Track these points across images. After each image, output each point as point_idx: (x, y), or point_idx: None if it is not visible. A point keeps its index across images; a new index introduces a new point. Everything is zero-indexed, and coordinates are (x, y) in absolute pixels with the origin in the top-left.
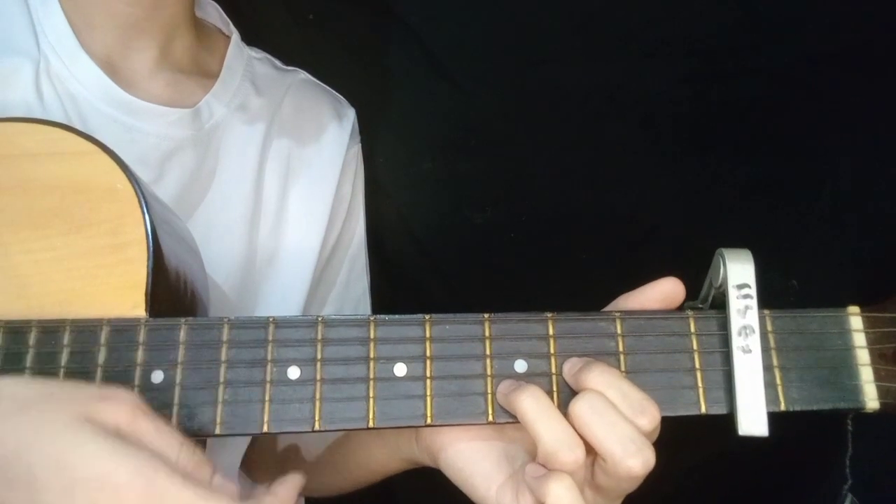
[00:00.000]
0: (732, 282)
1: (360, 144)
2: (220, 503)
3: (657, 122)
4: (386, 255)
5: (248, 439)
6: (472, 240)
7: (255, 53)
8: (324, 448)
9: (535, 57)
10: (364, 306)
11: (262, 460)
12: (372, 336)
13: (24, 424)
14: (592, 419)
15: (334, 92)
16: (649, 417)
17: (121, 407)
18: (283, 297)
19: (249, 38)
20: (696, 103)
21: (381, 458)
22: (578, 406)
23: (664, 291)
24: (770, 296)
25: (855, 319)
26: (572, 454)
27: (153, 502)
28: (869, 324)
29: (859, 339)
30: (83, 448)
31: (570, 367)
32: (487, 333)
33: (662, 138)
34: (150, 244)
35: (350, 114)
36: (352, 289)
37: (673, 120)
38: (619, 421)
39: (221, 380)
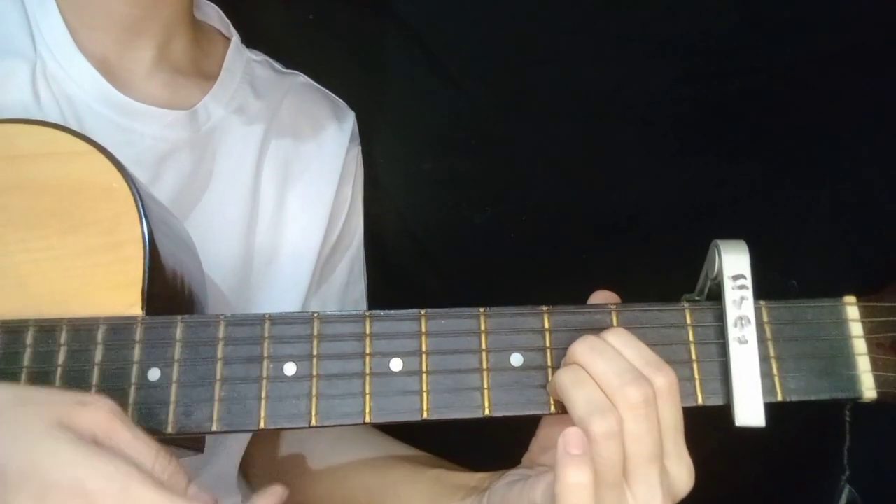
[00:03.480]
0: (728, 273)
1: (359, 147)
2: None
3: (657, 122)
4: (386, 254)
5: (244, 445)
6: (471, 239)
7: (255, 56)
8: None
9: (535, 57)
10: (361, 308)
11: (264, 469)
12: (367, 331)
13: (0, 429)
14: (592, 357)
15: (334, 96)
16: (665, 374)
17: (97, 414)
18: (281, 299)
19: (249, 39)
20: (696, 103)
21: None
22: (578, 345)
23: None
24: (769, 295)
25: (851, 309)
26: (605, 422)
27: None
28: (866, 313)
29: (856, 329)
30: (57, 454)
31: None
32: (483, 327)
33: (662, 138)
34: (147, 243)
35: (350, 117)
36: (350, 291)
37: (673, 120)
38: (617, 358)
39: (218, 377)
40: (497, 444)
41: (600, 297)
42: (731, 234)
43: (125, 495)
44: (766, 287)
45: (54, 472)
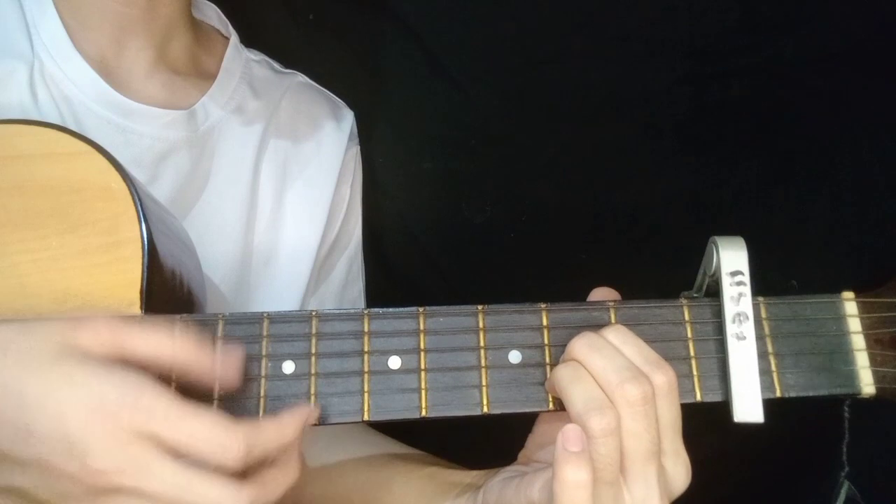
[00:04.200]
0: (726, 269)
1: (358, 146)
2: (209, 416)
3: (657, 122)
4: (385, 254)
5: None
6: (471, 239)
7: (254, 56)
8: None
9: (535, 57)
10: (359, 307)
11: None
12: (366, 329)
13: (9, 361)
14: (590, 354)
15: (332, 95)
16: (664, 372)
17: (98, 331)
18: (279, 298)
19: (249, 39)
20: (696, 103)
21: None
22: (577, 342)
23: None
24: (770, 295)
25: (850, 305)
26: (603, 419)
27: (143, 419)
28: (864, 309)
29: (854, 325)
30: (68, 376)
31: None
32: (481, 325)
33: (662, 138)
34: (145, 242)
35: (348, 116)
36: (348, 290)
37: (673, 120)
38: (616, 355)
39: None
40: (494, 441)
41: (600, 294)
42: (730, 234)
43: (139, 405)
44: (765, 287)
45: (68, 392)
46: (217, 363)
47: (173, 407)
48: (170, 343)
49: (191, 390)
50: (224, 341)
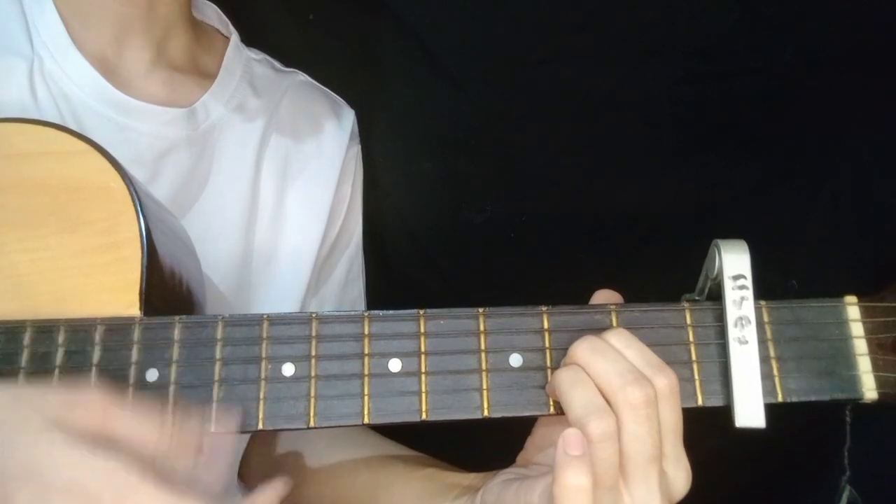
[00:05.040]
0: (728, 273)
1: (359, 146)
2: (195, 503)
3: (657, 122)
4: (385, 254)
5: (242, 446)
6: (471, 239)
7: (254, 55)
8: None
9: (535, 57)
10: (359, 308)
11: (259, 467)
12: (366, 332)
13: None
14: (593, 357)
15: (333, 94)
16: (666, 375)
17: (90, 409)
18: (280, 298)
19: (249, 38)
20: (696, 103)
21: None
22: (578, 345)
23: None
24: (770, 295)
25: (852, 309)
26: (602, 422)
27: None
28: (866, 313)
29: (857, 329)
30: (54, 455)
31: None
32: (482, 328)
33: (662, 138)
34: (144, 243)
35: (349, 115)
36: (349, 290)
37: (673, 120)
38: (618, 358)
39: (216, 378)
40: (493, 442)
41: (602, 296)
42: (731, 234)
43: (124, 492)
44: (766, 287)
45: (52, 472)
46: (200, 464)
47: (157, 496)
48: (154, 437)
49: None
50: (213, 440)
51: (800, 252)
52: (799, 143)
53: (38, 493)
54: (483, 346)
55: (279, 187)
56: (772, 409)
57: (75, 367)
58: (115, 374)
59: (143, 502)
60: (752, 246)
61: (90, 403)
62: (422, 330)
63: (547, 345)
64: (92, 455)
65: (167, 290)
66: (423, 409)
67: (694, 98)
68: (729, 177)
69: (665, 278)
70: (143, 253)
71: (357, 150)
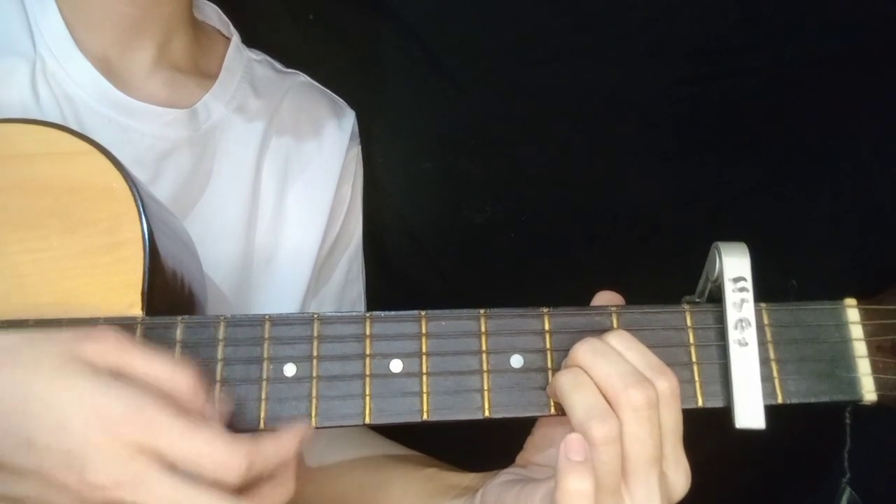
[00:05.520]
0: (728, 275)
1: (359, 147)
2: (210, 432)
3: (657, 122)
4: (385, 254)
5: None
6: (471, 239)
7: (255, 55)
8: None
9: (535, 57)
10: (359, 308)
11: None
12: (368, 333)
13: (13, 369)
14: (594, 359)
15: (334, 95)
16: (667, 378)
17: (105, 344)
18: (280, 298)
19: (249, 38)
20: (696, 103)
21: None
22: (580, 347)
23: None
24: (770, 295)
25: (852, 312)
26: (605, 426)
27: (146, 433)
28: (866, 316)
29: (856, 332)
30: (74, 387)
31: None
32: (483, 329)
33: (662, 138)
34: (147, 243)
35: (350, 116)
36: (348, 290)
37: (673, 120)
38: (620, 360)
39: (218, 378)
40: (493, 442)
41: (604, 298)
42: (730, 234)
43: (143, 419)
44: (765, 287)
45: (73, 403)
46: (207, 407)
47: (175, 422)
48: (169, 376)
49: None
50: (222, 385)
51: (800, 252)
52: (799, 143)
53: (59, 424)
54: (484, 347)
55: (280, 188)
56: (772, 411)
57: None
58: None
59: (164, 429)
60: (752, 246)
61: (104, 339)
62: (423, 331)
63: (548, 346)
64: (111, 384)
65: (169, 291)
66: (425, 409)
67: (694, 98)
68: (729, 177)
69: (665, 278)
70: (144, 253)
71: (357, 150)
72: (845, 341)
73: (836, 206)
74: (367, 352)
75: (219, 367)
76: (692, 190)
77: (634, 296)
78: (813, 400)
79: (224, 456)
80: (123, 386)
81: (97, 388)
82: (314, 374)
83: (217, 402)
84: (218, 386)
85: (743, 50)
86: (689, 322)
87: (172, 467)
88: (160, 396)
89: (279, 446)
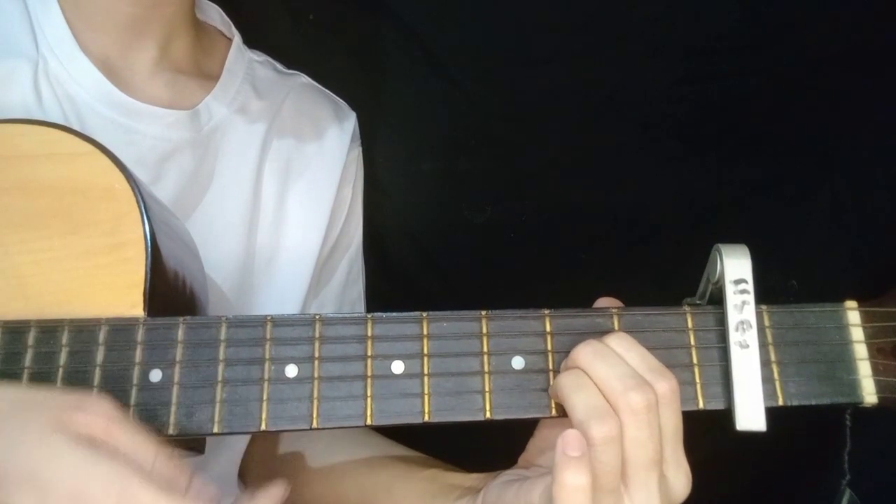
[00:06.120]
0: (729, 277)
1: (360, 148)
2: None
3: (657, 122)
4: (386, 255)
5: (244, 446)
6: (471, 239)
7: (257, 56)
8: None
9: (535, 57)
10: (359, 309)
11: (259, 467)
12: (369, 334)
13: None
14: (594, 361)
15: (335, 96)
16: (667, 380)
17: (95, 416)
18: (281, 299)
19: (250, 39)
20: (696, 103)
21: None
22: (580, 349)
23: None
24: (770, 296)
25: (853, 314)
26: (605, 426)
27: None
28: (867, 318)
29: (857, 334)
30: (56, 458)
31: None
32: (485, 330)
33: (662, 138)
34: (149, 244)
35: (351, 117)
36: (349, 291)
37: (673, 120)
38: (620, 363)
39: (220, 378)
40: (495, 443)
41: (604, 304)
42: (731, 235)
43: (124, 498)
44: (766, 287)
45: (53, 475)
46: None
47: (159, 501)
48: (152, 453)
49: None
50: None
51: (800, 252)
52: (799, 143)
53: (38, 496)
54: (485, 349)
55: (281, 189)
56: (772, 413)
57: (79, 367)
58: (118, 375)
59: None
60: (752, 246)
61: (94, 409)
62: (424, 332)
63: (549, 348)
64: (94, 459)
65: (170, 291)
66: (426, 410)
67: (694, 98)
68: (729, 177)
69: (665, 278)
70: (146, 254)
71: (358, 152)
72: (846, 343)
73: (836, 206)
74: (369, 353)
75: (220, 367)
76: (692, 190)
77: (634, 295)
78: (814, 402)
79: None
80: (105, 460)
81: (79, 462)
82: (316, 375)
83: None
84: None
85: (743, 50)
86: (689, 324)
87: None
88: (142, 475)
89: None
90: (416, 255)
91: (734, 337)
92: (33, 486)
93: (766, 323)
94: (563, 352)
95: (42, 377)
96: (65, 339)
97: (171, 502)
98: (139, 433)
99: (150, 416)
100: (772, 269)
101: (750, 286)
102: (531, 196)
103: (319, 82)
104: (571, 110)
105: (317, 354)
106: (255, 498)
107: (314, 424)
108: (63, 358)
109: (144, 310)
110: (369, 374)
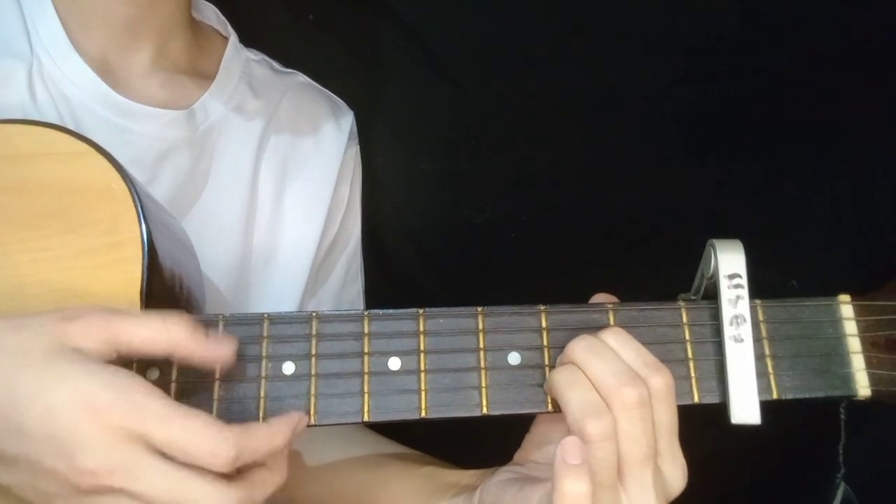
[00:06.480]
0: (723, 272)
1: (358, 146)
2: (200, 419)
3: (657, 122)
4: (385, 254)
5: None
6: (471, 239)
7: (253, 55)
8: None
9: (535, 57)
10: (358, 307)
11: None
12: (366, 331)
13: (1, 359)
14: (589, 357)
15: (333, 95)
16: (662, 375)
17: (90, 325)
18: (279, 298)
19: (248, 39)
20: (696, 103)
21: None
22: (575, 345)
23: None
24: (769, 295)
25: (846, 308)
26: (600, 423)
27: (135, 420)
28: (860, 312)
29: (850, 328)
30: (63, 374)
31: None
32: (481, 326)
33: (662, 138)
34: (145, 243)
35: (348, 116)
36: (347, 290)
37: (673, 120)
38: (614, 359)
39: (217, 376)
40: (491, 439)
41: (600, 300)
42: (730, 235)
43: (132, 406)
44: (765, 287)
45: (62, 391)
46: (212, 347)
47: (165, 408)
48: (164, 330)
49: (191, 391)
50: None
51: (800, 252)
52: (799, 143)
53: (48, 414)
54: (482, 345)
55: (278, 188)
56: (767, 406)
57: None
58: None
59: (153, 416)
60: (751, 246)
61: (89, 321)
62: (421, 328)
63: (545, 343)
64: (99, 371)
65: (167, 290)
66: (423, 406)
67: (694, 98)
68: (729, 177)
69: (665, 278)
70: (143, 253)
71: (356, 150)
72: (839, 337)
73: (836, 206)
74: (366, 350)
75: (218, 365)
76: (692, 190)
77: (634, 295)
78: (808, 395)
79: (213, 443)
80: (111, 371)
81: (83, 374)
82: (313, 372)
83: (217, 349)
84: (221, 325)
85: (743, 50)
86: (684, 319)
87: (162, 453)
88: (149, 385)
89: (271, 435)
90: (415, 255)
91: (729, 331)
92: (40, 401)
93: (761, 317)
94: (559, 347)
95: None
96: None
97: (177, 410)
98: (141, 321)
99: None
100: (771, 268)
101: (744, 281)
102: (531, 196)
103: (319, 82)
104: (571, 110)
105: (314, 351)
106: (272, 423)
107: (311, 421)
108: None
109: (142, 308)
110: (366, 370)
